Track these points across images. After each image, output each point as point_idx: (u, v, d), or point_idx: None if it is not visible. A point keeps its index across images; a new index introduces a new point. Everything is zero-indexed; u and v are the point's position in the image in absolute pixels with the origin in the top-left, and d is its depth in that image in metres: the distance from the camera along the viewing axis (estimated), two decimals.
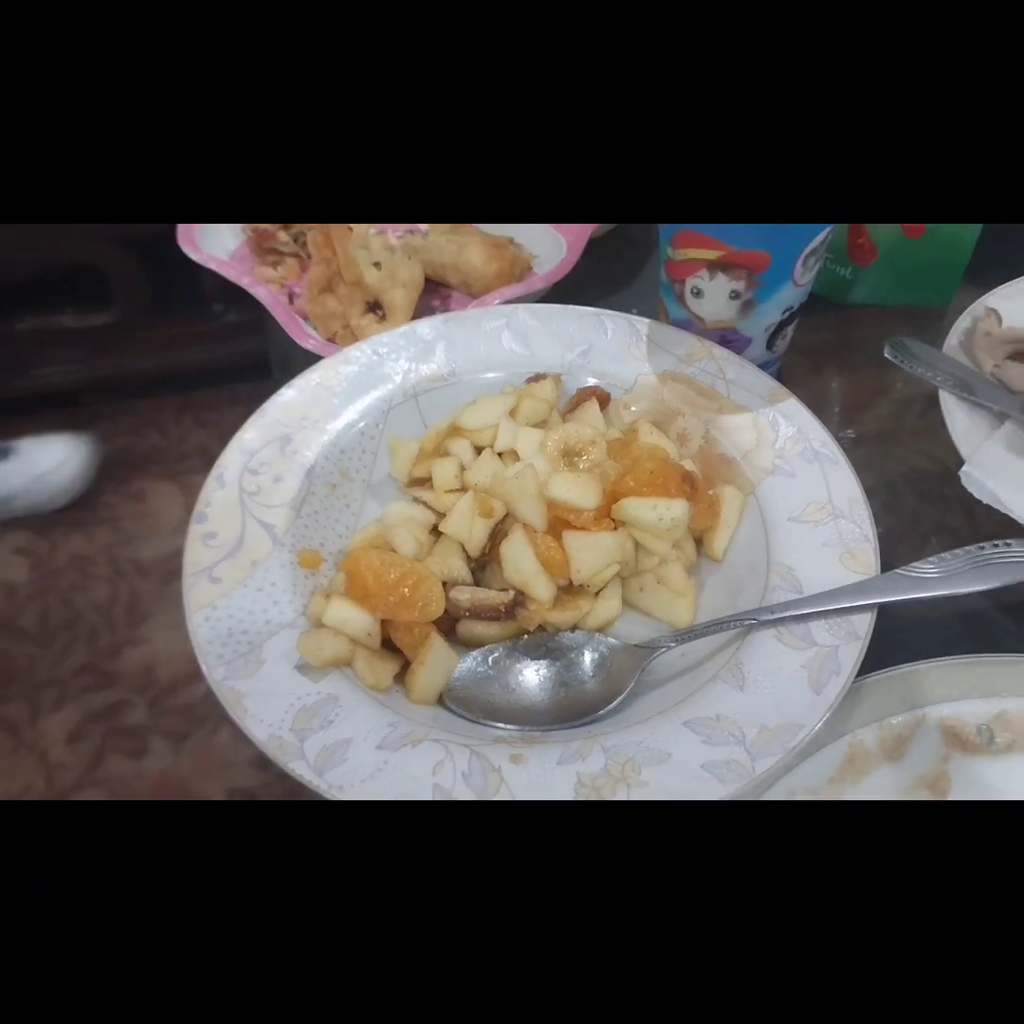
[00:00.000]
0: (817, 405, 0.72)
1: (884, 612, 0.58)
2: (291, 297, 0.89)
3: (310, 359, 0.75)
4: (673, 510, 0.61)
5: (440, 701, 0.59)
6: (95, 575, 0.72)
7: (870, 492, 0.64)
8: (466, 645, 0.62)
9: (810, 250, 0.69)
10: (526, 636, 0.62)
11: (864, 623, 0.57)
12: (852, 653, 0.56)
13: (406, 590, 0.58)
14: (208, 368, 0.90)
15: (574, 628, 0.62)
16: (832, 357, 0.88)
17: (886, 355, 0.77)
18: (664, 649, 0.59)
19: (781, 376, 0.82)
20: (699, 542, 0.67)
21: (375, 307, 0.86)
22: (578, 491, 0.62)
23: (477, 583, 0.64)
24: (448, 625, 0.62)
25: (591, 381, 0.74)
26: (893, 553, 0.67)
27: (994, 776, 0.56)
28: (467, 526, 0.62)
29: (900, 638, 0.59)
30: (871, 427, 0.84)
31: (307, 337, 0.80)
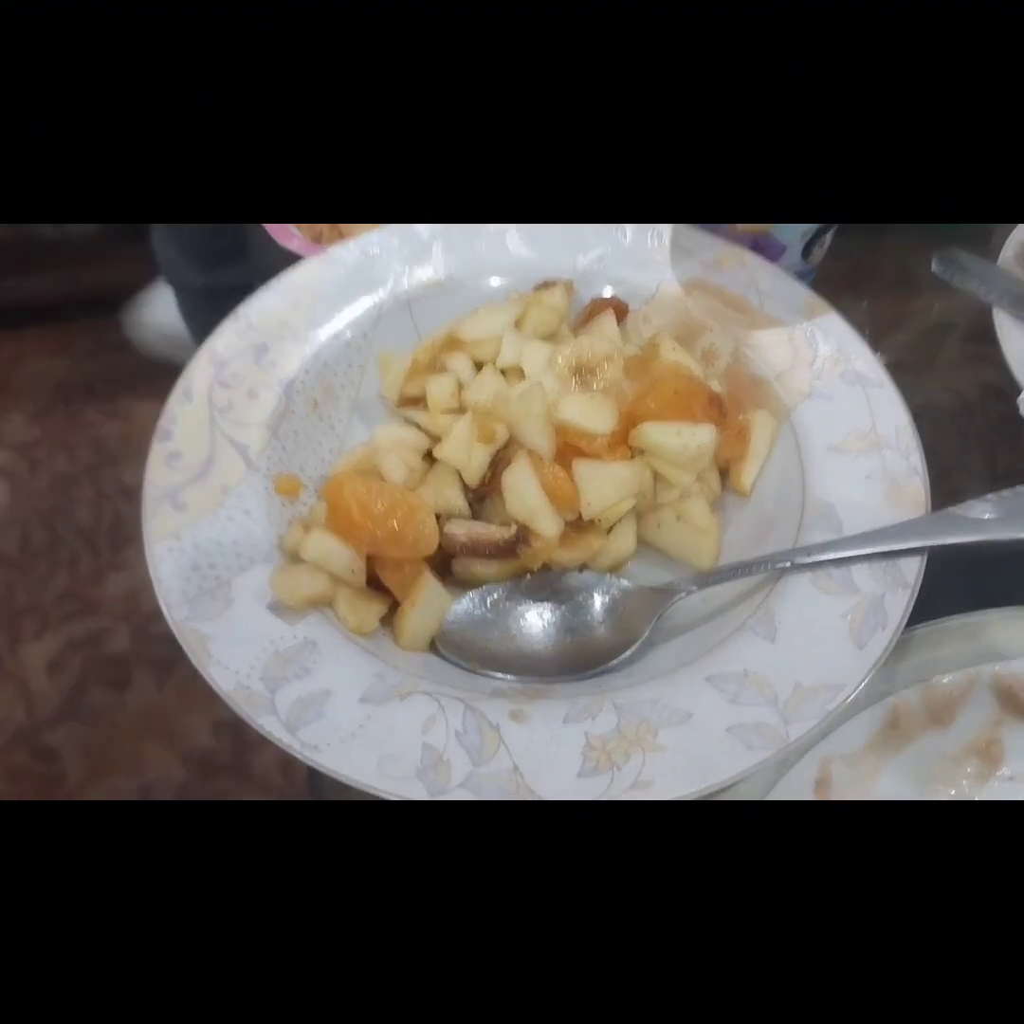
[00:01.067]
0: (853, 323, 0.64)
1: (933, 556, 0.51)
2: None
3: (292, 262, 0.66)
4: (699, 436, 0.54)
5: (432, 647, 0.52)
6: (77, 497, 0.66)
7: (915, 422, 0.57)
8: (462, 585, 0.55)
9: None
10: (529, 576, 0.55)
11: (913, 568, 0.50)
12: (900, 602, 0.49)
13: (395, 522, 0.51)
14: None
15: (583, 568, 0.56)
16: (870, 270, 0.80)
17: (933, 270, 0.69)
18: (684, 594, 0.52)
19: (815, 289, 0.74)
20: (724, 474, 0.60)
21: None
22: (591, 413, 0.54)
23: (475, 516, 0.57)
24: (442, 563, 0.55)
25: (607, 290, 0.66)
26: (941, 491, 0.60)
27: None
28: (465, 451, 0.55)
29: (949, 584, 0.53)
30: (912, 351, 0.76)
31: (290, 236, 0.71)
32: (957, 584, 0.53)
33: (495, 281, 0.66)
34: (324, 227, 0.76)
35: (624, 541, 0.56)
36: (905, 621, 0.49)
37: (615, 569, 0.57)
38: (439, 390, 0.57)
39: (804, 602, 0.50)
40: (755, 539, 0.56)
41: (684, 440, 0.54)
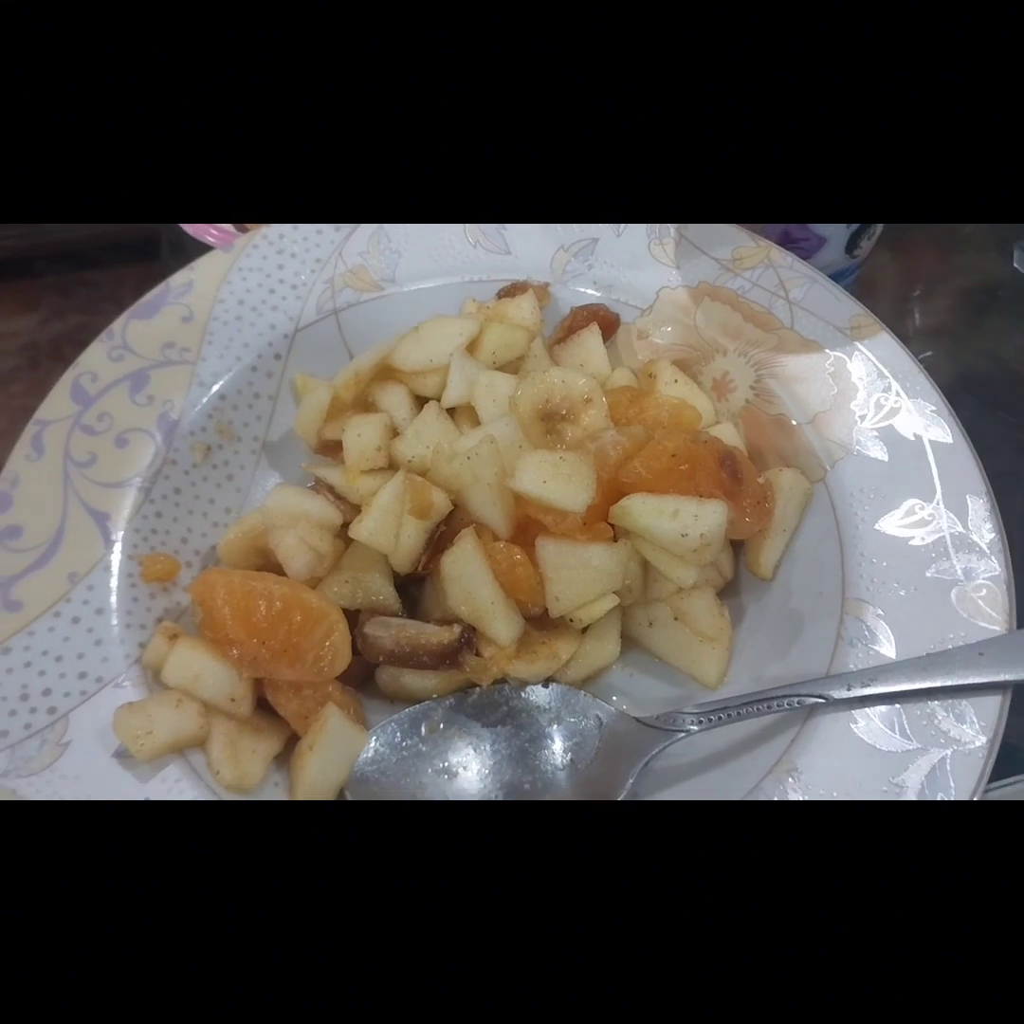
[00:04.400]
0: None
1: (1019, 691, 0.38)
2: None
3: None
4: (704, 520, 0.40)
5: (342, 795, 0.40)
6: None
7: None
8: (391, 700, 0.43)
9: None
10: (478, 690, 0.42)
11: (991, 713, 0.37)
12: (973, 761, 0.36)
13: (288, 635, 0.38)
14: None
15: (548, 681, 0.42)
16: (929, 266, 0.64)
17: (1016, 264, 0.54)
18: (682, 735, 0.39)
19: (860, 284, 0.59)
20: (739, 547, 0.46)
21: None
22: (559, 482, 0.41)
23: (411, 609, 0.44)
24: (363, 671, 0.43)
25: (592, 295, 0.51)
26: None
27: None
28: (391, 530, 0.41)
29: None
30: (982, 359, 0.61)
31: (205, 229, 0.57)
32: None
33: (447, 283, 0.51)
34: None
35: (604, 647, 0.43)
36: (981, 788, 0.36)
37: (592, 681, 0.44)
38: (359, 442, 0.43)
39: (840, 757, 0.37)
40: (779, 647, 0.43)
41: (683, 524, 0.40)
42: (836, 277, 0.55)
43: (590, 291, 0.52)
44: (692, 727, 0.39)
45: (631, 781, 0.39)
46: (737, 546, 0.46)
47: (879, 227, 0.54)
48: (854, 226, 0.52)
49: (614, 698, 0.43)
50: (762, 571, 0.45)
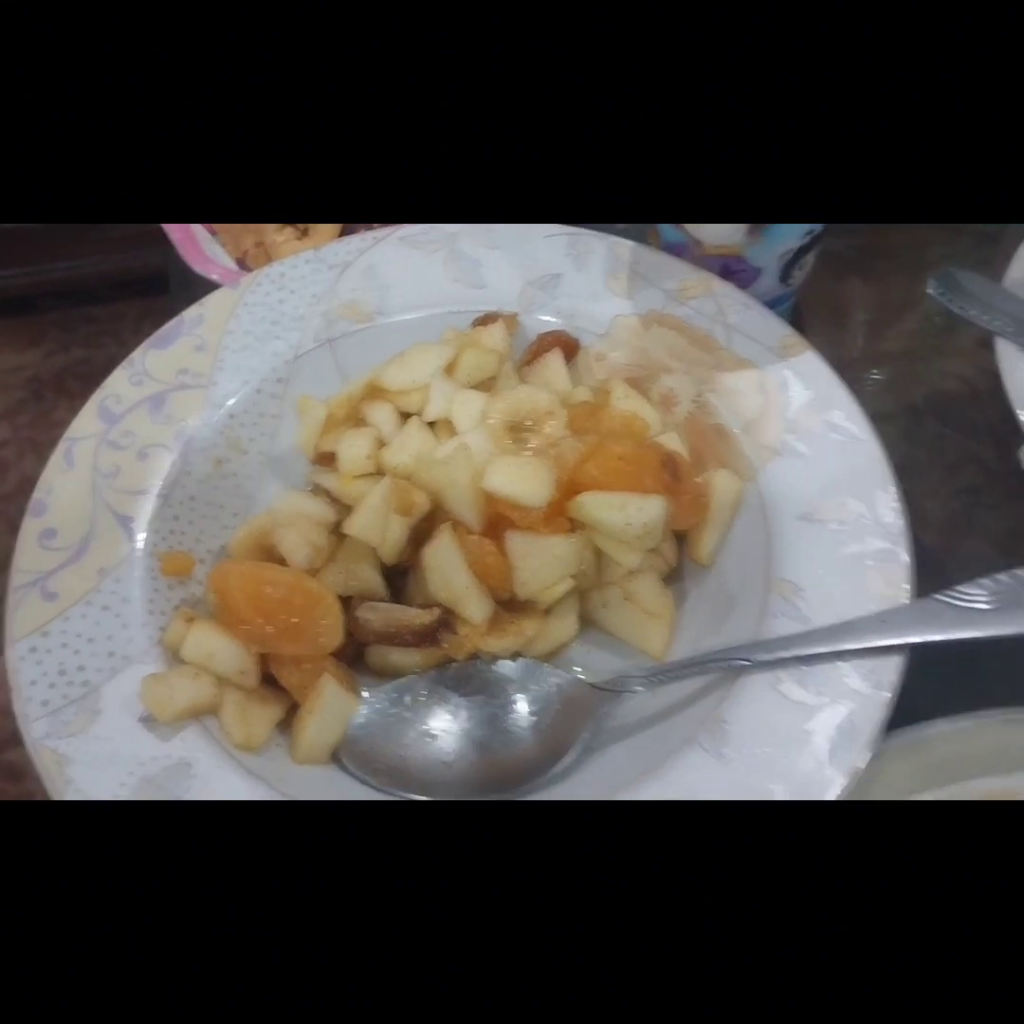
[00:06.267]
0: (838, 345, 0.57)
1: (915, 652, 0.44)
2: None
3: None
4: (646, 511, 0.46)
5: (337, 757, 0.46)
6: None
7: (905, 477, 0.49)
8: (379, 675, 0.49)
9: None
10: (454, 665, 0.48)
11: (892, 671, 0.43)
12: (874, 713, 0.42)
13: (291, 616, 0.45)
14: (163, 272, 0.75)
15: (516, 656, 0.49)
16: (859, 275, 0.71)
17: (930, 292, 0.61)
18: (628, 693, 0.45)
19: (797, 310, 0.66)
20: (683, 539, 0.52)
21: None
22: (523, 482, 0.47)
23: (397, 595, 0.50)
24: (355, 651, 0.49)
25: (555, 323, 0.58)
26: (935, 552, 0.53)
27: None
28: (379, 525, 0.47)
29: (932, 684, 0.45)
30: (905, 371, 0.68)
31: (208, 261, 0.64)
32: (941, 684, 0.45)
33: (429, 314, 0.58)
34: (249, 244, 0.68)
35: (564, 625, 0.49)
36: (880, 736, 0.42)
37: (555, 655, 0.50)
38: (351, 452, 0.50)
39: (761, 710, 0.43)
40: (715, 622, 0.49)
41: (628, 516, 0.46)
42: (772, 303, 0.61)
43: (554, 319, 0.58)
44: (637, 688, 0.45)
45: (586, 735, 0.45)
46: (681, 538, 0.53)
47: (810, 258, 0.61)
48: (787, 258, 0.59)
49: (575, 669, 0.49)
50: (702, 558, 0.51)
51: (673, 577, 0.52)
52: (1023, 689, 0.47)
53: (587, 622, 0.51)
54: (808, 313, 0.67)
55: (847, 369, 0.54)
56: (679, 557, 0.52)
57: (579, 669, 0.50)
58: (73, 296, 0.76)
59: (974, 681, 0.46)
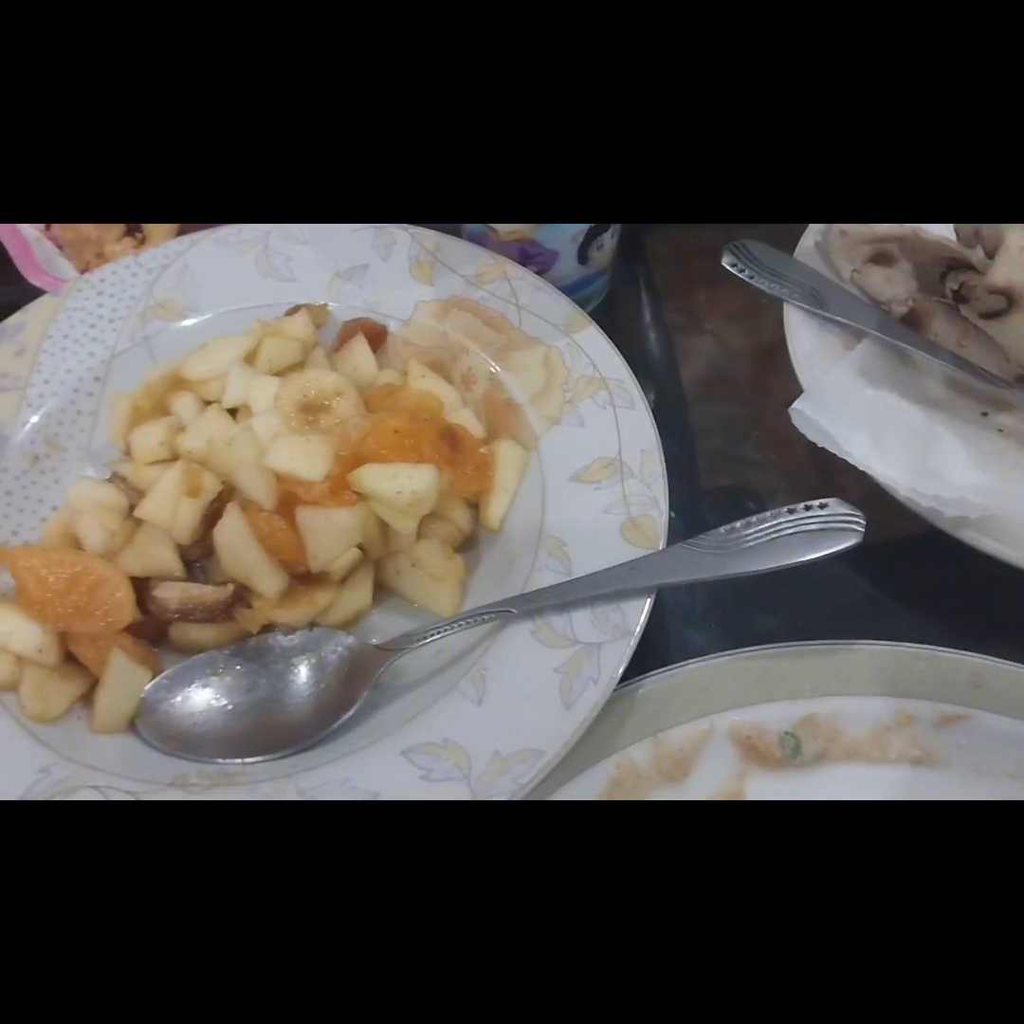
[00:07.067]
0: (641, 329, 0.60)
1: (668, 597, 0.47)
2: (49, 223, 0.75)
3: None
4: (416, 480, 0.49)
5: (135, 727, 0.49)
6: None
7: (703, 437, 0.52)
8: (183, 652, 0.52)
9: None
10: (254, 639, 0.51)
11: (636, 613, 0.46)
12: (617, 653, 0.45)
13: (78, 595, 0.47)
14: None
15: (313, 625, 0.51)
16: (679, 266, 0.75)
17: (724, 263, 0.64)
18: (399, 653, 0.48)
19: (612, 297, 0.69)
20: (477, 508, 0.56)
21: (135, 229, 0.72)
22: (302, 459, 0.50)
23: (202, 576, 0.53)
24: (158, 628, 0.51)
25: (363, 311, 0.62)
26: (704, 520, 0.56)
27: (803, 794, 0.46)
28: (170, 508, 0.50)
29: (681, 631, 0.48)
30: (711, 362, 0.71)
31: (39, 271, 0.67)
32: (686, 630, 0.49)
33: (240, 308, 0.61)
34: (91, 255, 0.71)
35: (359, 593, 0.52)
36: (620, 673, 0.45)
37: (353, 623, 0.53)
38: (144, 440, 0.53)
39: (519, 657, 0.46)
40: (495, 581, 0.52)
41: (399, 484, 0.49)
42: (580, 285, 0.65)
43: (361, 307, 0.62)
44: (407, 646, 0.49)
45: (366, 692, 0.48)
46: (475, 507, 0.56)
47: (607, 238, 0.64)
48: (580, 239, 0.62)
49: (373, 637, 0.52)
50: (491, 524, 0.54)
51: (469, 544, 0.55)
52: (779, 628, 0.51)
53: (386, 590, 0.54)
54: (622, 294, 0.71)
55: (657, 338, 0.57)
56: (474, 525, 0.55)
57: (378, 636, 0.52)
58: None
59: (718, 624, 0.49)
